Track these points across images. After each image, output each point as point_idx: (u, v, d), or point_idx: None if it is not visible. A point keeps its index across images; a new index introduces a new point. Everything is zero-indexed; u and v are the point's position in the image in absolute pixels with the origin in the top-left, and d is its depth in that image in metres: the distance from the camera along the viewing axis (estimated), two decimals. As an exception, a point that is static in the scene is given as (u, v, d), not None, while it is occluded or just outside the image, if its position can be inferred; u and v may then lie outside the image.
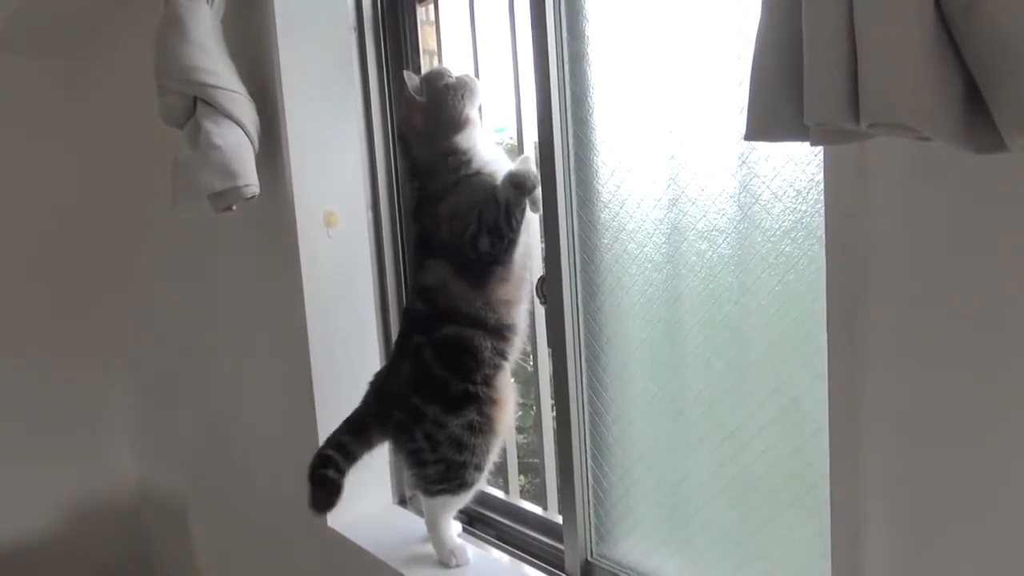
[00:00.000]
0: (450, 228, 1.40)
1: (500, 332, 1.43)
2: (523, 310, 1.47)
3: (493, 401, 1.46)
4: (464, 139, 1.41)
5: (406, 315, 1.57)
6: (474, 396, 1.44)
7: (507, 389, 1.49)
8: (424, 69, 1.72)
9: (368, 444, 1.52)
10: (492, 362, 1.44)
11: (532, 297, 1.49)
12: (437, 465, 1.48)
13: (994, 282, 0.77)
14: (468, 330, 1.42)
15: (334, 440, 1.51)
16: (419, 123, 1.42)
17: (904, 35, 0.57)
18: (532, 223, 1.46)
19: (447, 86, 1.40)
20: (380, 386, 1.55)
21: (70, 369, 2.84)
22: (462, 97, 1.40)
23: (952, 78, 0.58)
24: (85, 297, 2.85)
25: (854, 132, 0.62)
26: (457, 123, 1.40)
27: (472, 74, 1.47)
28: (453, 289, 1.42)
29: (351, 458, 1.50)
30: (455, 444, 1.45)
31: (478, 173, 1.41)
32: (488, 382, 1.45)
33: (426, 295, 1.46)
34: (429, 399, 1.46)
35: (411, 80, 1.42)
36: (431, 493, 1.51)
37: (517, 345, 1.47)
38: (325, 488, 1.47)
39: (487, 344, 1.42)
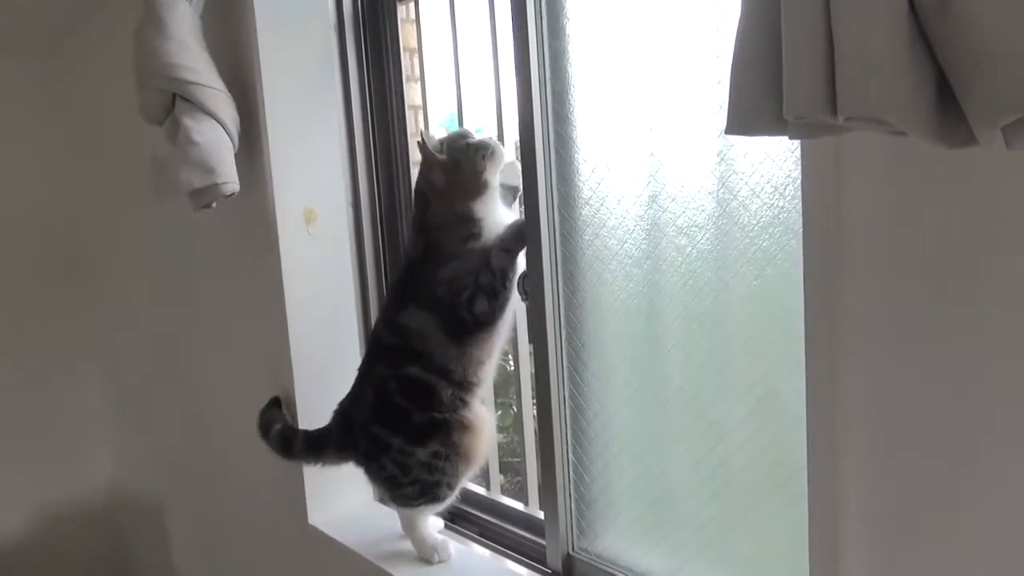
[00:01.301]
0: (447, 288, 1.41)
1: (462, 385, 1.45)
2: (490, 369, 1.49)
3: (464, 428, 1.47)
4: (480, 207, 1.40)
5: (373, 341, 1.57)
6: (440, 423, 1.45)
7: (478, 414, 1.49)
8: (404, 67, 1.73)
9: (317, 460, 1.60)
10: (452, 404, 1.45)
11: (501, 354, 1.52)
12: (412, 486, 1.49)
13: (968, 276, 0.79)
14: (431, 376, 1.44)
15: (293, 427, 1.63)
16: (440, 182, 1.41)
17: (879, 33, 0.59)
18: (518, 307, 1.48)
19: (468, 145, 1.39)
20: (345, 411, 1.56)
21: (45, 369, 2.80)
22: (483, 158, 1.38)
23: (925, 74, 0.60)
24: (61, 296, 2.81)
25: (831, 126, 0.63)
26: (476, 187, 1.39)
27: (497, 139, 1.45)
28: (432, 338, 1.44)
29: (291, 453, 1.62)
30: (425, 468, 1.47)
31: (485, 244, 1.41)
32: (455, 411, 1.46)
33: (400, 332, 1.47)
34: (393, 430, 1.48)
35: (430, 140, 1.41)
36: (411, 507, 1.53)
37: (478, 395, 1.49)
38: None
39: (448, 392, 1.45)
